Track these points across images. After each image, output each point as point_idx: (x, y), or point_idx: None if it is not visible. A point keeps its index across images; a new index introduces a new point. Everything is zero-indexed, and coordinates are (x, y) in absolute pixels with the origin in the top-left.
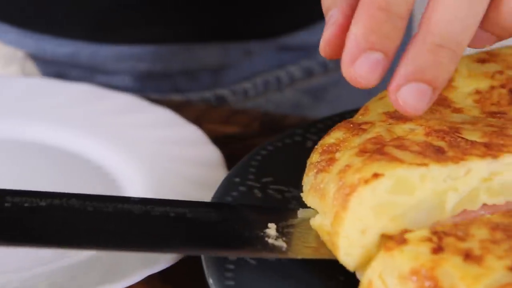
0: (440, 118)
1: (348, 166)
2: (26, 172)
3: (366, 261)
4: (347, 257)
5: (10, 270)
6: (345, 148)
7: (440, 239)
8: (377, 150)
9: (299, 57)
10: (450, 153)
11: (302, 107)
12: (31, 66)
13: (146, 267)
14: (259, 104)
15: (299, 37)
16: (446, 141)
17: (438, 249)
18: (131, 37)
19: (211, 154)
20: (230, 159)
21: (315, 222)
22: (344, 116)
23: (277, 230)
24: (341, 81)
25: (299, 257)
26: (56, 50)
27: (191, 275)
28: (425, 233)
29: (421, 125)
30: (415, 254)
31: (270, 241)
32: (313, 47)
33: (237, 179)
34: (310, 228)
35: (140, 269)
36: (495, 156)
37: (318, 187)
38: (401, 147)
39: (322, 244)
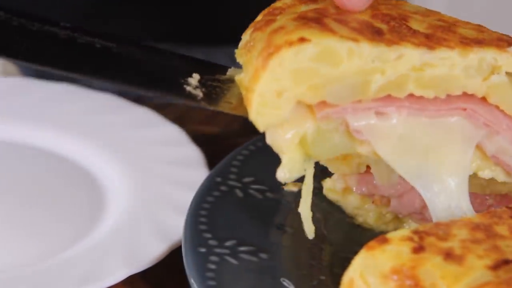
0: (395, 5)
1: (281, 27)
2: (4, 170)
3: (279, 124)
4: (259, 116)
5: None
6: (288, 13)
7: (421, 238)
8: (316, 19)
9: None
10: (387, 36)
11: None
12: (11, 67)
13: (128, 267)
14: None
15: None
16: (389, 26)
17: (419, 249)
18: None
19: (192, 154)
20: (211, 159)
21: (239, 77)
22: None
23: (200, 81)
24: None
25: (212, 108)
26: None
27: (173, 275)
28: (406, 232)
29: (372, 7)
30: (396, 253)
31: (188, 88)
32: None
33: (218, 179)
34: (235, 86)
35: (121, 269)
36: (431, 47)
37: (249, 44)
38: (341, 21)
39: (242, 102)
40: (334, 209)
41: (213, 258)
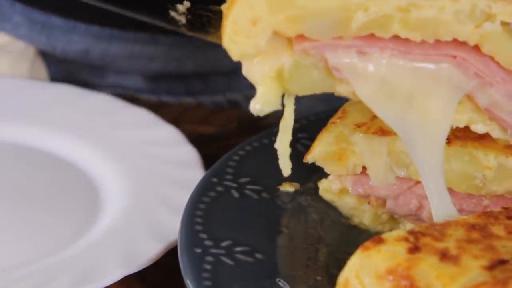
0: None
1: None
2: (1, 171)
3: (254, 54)
4: (231, 43)
5: None
6: None
7: (416, 239)
8: None
9: None
10: None
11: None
12: (40, 66)
13: (124, 268)
14: (276, 112)
15: None
16: None
17: (414, 249)
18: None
19: (188, 154)
20: (207, 159)
21: (225, 5)
22: (319, 115)
23: (189, 9)
24: None
25: (190, 33)
26: (66, 47)
27: (169, 276)
28: (401, 233)
29: None
30: (392, 253)
31: (173, 14)
32: None
33: (214, 179)
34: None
35: (117, 269)
36: None
37: None
38: None
39: None
40: (330, 210)
41: (209, 258)
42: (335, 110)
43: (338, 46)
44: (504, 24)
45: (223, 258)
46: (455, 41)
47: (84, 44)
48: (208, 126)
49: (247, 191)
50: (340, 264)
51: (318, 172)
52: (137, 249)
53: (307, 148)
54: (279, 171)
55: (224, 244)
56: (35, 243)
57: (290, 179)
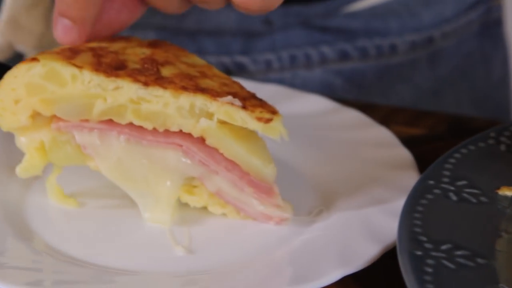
0: (176, 54)
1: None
2: None
3: (18, 127)
4: (1, 117)
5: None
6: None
7: None
8: (70, 49)
9: (336, 39)
10: (120, 72)
11: (332, 88)
12: None
13: (342, 268)
14: (283, 79)
15: (336, 20)
16: (143, 67)
17: None
18: None
19: (402, 156)
20: (417, 161)
21: None
22: None
23: None
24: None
25: None
26: None
27: (387, 277)
28: None
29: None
30: None
31: None
32: (352, 31)
33: (431, 182)
34: None
35: (335, 270)
36: (146, 84)
37: None
38: (80, 51)
39: None
40: None
41: (430, 261)
42: None
43: (84, 127)
44: (221, 121)
45: (444, 262)
46: (181, 132)
47: None
48: (417, 127)
49: (465, 195)
50: None
51: None
52: (354, 250)
53: None
54: (496, 175)
55: (444, 247)
56: (252, 242)
57: (508, 183)
